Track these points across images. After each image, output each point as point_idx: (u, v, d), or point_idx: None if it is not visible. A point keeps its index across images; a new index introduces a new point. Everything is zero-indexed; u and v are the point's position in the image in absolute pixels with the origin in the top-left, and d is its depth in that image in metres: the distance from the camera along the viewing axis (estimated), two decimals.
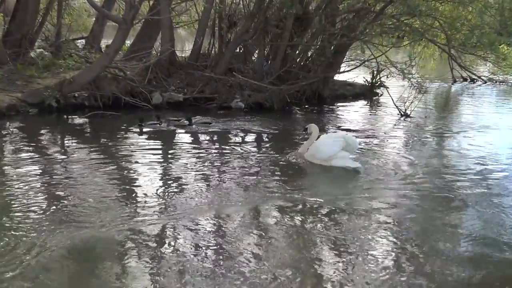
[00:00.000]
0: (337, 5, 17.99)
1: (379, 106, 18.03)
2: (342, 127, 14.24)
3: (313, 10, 17.66)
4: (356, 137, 11.56)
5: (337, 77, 19.33)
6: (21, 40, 18.49)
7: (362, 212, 7.84)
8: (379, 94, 19.56)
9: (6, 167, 9.61)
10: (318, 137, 10.44)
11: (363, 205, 8.17)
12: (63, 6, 20.90)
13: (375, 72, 19.44)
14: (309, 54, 18.29)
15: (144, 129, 12.92)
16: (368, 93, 19.63)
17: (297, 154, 10.56)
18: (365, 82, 19.91)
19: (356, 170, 9.80)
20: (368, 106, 18.35)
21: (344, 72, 19.10)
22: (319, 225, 7.36)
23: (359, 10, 17.57)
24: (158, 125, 13.13)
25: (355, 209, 7.98)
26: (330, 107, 17.51)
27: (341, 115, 16.51)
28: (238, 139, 12.58)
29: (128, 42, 19.45)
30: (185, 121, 13.40)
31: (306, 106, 16.97)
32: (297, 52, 17.97)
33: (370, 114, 17.04)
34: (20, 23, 18.89)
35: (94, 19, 24.10)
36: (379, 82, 19.58)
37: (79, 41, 23.54)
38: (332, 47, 17.67)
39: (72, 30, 23.59)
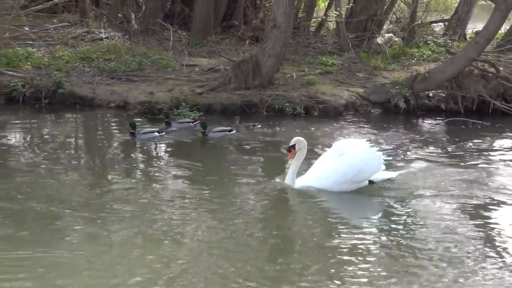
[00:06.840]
0: None
1: None
2: None
3: None
4: None
5: None
6: (367, 23, 17.82)
7: None
8: None
9: None
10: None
11: None
12: None
13: None
14: None
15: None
16: None
17: (285, 186, 8.13)
18: None
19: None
20: None
21: None
22: None
23: None
24: (156, 133, 10.33)
25: None
26: None
27: None
28: None
29: (503, 28, 16.56)
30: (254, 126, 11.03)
31: None
32: None
33: None
34: (367, 1, 17.97)
35: None
36: None
37: (438, 24, 21.89)
38: None
39: (430, 10, 21.64)
